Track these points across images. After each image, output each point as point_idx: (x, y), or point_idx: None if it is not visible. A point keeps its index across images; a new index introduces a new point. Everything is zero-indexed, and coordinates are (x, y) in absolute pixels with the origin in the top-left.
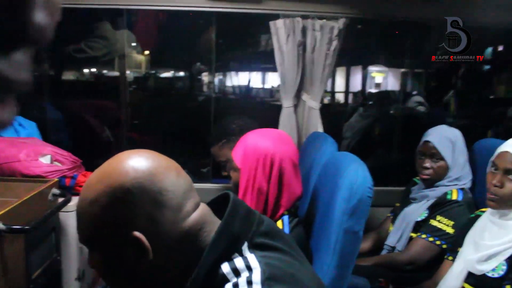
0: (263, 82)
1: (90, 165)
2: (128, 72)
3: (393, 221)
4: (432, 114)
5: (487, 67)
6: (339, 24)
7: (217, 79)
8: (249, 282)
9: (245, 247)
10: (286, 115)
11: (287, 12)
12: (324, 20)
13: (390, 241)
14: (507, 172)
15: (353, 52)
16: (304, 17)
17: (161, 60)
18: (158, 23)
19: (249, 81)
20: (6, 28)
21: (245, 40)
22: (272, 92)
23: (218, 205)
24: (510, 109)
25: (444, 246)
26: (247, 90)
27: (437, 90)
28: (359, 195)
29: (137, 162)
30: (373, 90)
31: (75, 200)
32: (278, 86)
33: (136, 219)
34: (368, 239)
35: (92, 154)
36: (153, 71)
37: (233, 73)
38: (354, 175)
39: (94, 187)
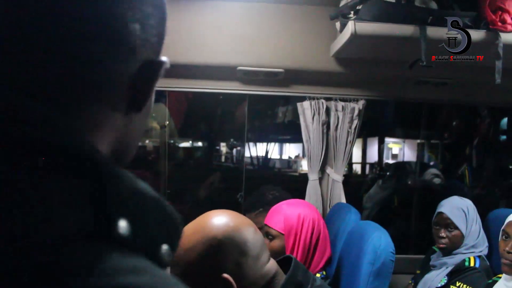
0: (281, 152)
1: None
2: (147, 141)
3: None
4: (449, 186)
5: (503, 137)
6: (359, 105)
7: (234, 150)
8: None
9: None
10: (312, 187)
11: (312, 94)
12: (346, 102)
13: None
14: None
15: (369, 124)
16: (328, 99)
17: (186, 131)
18: (187, 98)
19: (267, 152)
20: None
21: (264, 113)
22: (290, 162)
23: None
24: None
25: None
26: (265, 160)
27: (452, 162)
28: (382, 259)
29: (226, 218)
30: (390, 161)
31: None
32: (296, 157)
33: (226, 264)
34: None
35: None
36: (171, 141)
37: (251, 144)
38: (378, 241)
39: (189, 238)
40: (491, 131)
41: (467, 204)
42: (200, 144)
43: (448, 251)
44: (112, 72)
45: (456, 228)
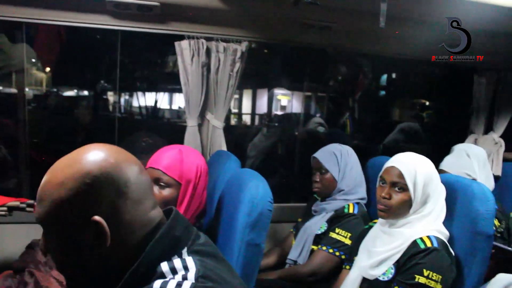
0: (170, 103)
1: None
2: (27, 89)
3: (295, 236)
4: (331, 134)
5: (381, 92)
6: (242, 47)
7: (123, 99)
8: (184, 278)
9: (184, 251)
10: (191, 134)
11: (192, 33)
12: (228, 43)
13: (292, 255)
14: (394, 185)
15: (259, 75)
16: (208, 39)
17: (63, 78)
18: (60, 39)
19: (155, 102)
20: None
21: (152, 61)
22: (179, 113)
23: None
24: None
25: (343, 256)
26: (153, 110)
27: (336, 112)
28: (260, 209)
29: (106, 153)
30: (279, 112)
31: None
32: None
33: (100, 205)
34: (272, 255)
35: None
36: (55, 89)
37: (139, 93)
38: (255, 190)
39: (62, 172)
40: (372, 86)
41: (340, 149)
42: (86, 93)
43: (323, 196)
44: None
45: (327, 171)
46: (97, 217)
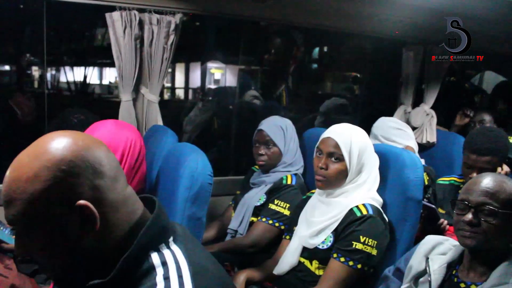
0: (101, 77)
1: None
2: None
3: (234, 208)
4: (269, 107)
5: (315, 65)
6: (176, 18)
7: (49, 74)
8: (180, 276)
9: (171, 240)
10: (125, 109)
11: (123, 4)
12: (161, 15)
13: (233, 225)
14: (330, 155)
15: (192, 48)
16: (141, 10)
17: None
18: None
19: (85, 77)
20: None
21: (80, 34)
22: (110, 88)
23: None
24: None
25: (282, 227)
26: (83, 86)
27: (271, 85)
28: (200, 183)
29: (72, 137)
30: (213, 86)
31: None
32: (116, 82)
33: (81, 189)
34: (213, 228)
35: None
36: None
37: (67, 68)
38: (194, 164)
39: (30, 165)
40: (305, 59)
41: (286, 123)
42: (7, 67)
43: (267, 169)
44: None
45: (275, 145)
46: (82, 202)
